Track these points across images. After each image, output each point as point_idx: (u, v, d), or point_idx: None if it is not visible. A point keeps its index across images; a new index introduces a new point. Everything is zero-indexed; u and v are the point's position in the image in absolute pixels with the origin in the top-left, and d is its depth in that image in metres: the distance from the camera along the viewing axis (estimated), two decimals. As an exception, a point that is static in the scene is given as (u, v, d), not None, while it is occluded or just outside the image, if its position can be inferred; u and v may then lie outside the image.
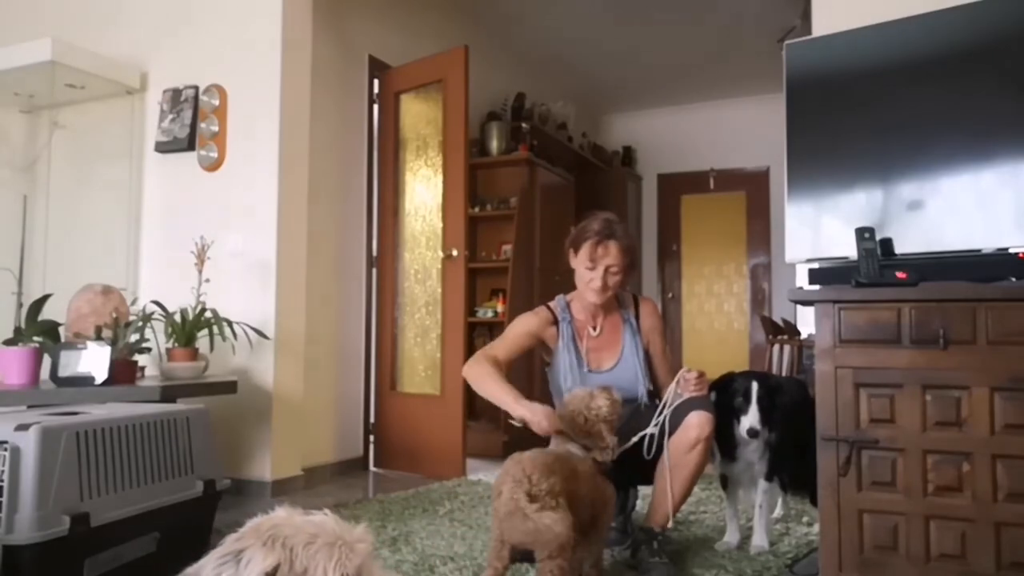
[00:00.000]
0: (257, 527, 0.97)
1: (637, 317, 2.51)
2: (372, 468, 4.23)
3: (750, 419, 2.32)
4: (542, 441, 2.23)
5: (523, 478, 1.78)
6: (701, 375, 2.29)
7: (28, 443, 1.77)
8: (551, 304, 2.52)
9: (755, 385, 2.35)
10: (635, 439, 2.23)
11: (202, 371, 3.10)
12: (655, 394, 2.47)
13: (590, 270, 2.37)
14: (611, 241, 2.35)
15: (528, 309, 2.60)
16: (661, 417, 2.23)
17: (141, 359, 3.00)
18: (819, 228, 2.08)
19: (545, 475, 1.78)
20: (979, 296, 1.70)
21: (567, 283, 2.49)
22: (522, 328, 2.45)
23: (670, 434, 2.22)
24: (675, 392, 2.27)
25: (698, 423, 2.19)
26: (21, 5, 4.22)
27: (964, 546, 1.68)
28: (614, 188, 7.14)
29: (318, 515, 1.00)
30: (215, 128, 3.61)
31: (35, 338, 2.83)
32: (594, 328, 2.48)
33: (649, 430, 2.22)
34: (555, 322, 2.47)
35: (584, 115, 7.18)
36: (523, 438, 2.33)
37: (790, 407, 2.42)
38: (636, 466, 2.25)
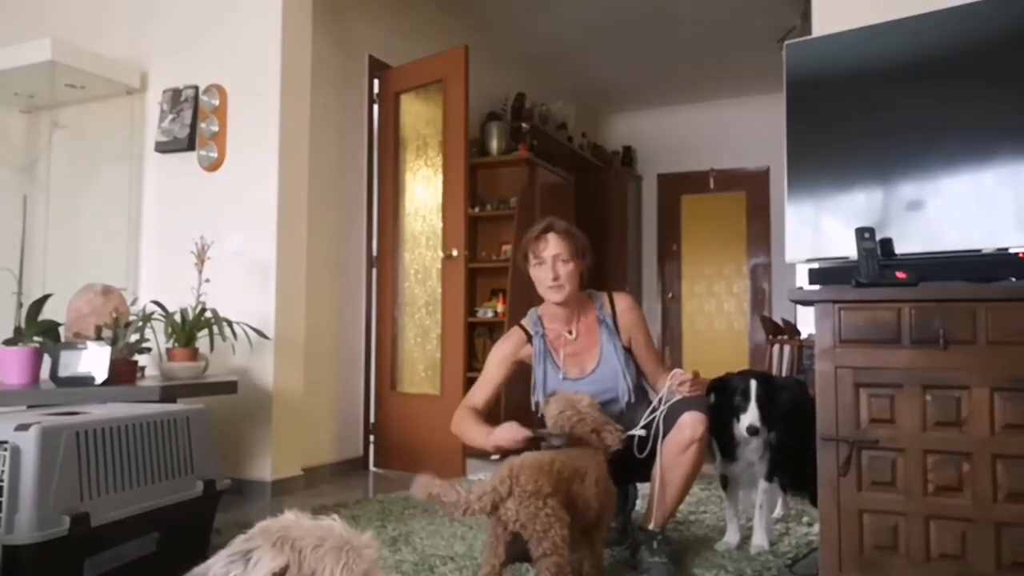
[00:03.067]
0: (266, 529, 0.98)
1: (614, 316, 2.51)
2: (372, 468, 4.23)
3: (749, 417, 2.32)
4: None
5: (507, 478, 1.78)
6: (695, 376, 2.29)
7: (28, 443, 1.77)
8: (523, 322, 2.54)
9: (754, 383, 2.35)
10: (637, 431, 2.23)
11: (202, 371, 3.10)
12: (644, 389, 2.47)
13: (540, 266, 2.41)
14: (549, 233, 2.42)
15: (528, 309, 2.60)
16: (651, 418, 2.24)
17: (141, 359, 3.00)
18: (819, 228, 2.08)
19: (533, 477, 1.78)
20: (979, 296, 1.70)
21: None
22: (497, 358, 2.50)
23: (664, 434, 2.23)
24: (668, 392, 2.27)
25: (691, 423, 2.19)
26: (21, 5, 4.22)
27: (964, 546, 1.68)
28: (614, 188, 7.14)
29: (326, 519, 1.01)
30: (215, 128, 3.61)
31: (35, 338, 2.82)
32: (570, 333, 2.49)
33: (639, 431, 2.23)
34: (530, 339, 2.48)
35: (584, 115, 7.18)
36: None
37: (790, 407, 2.42)
38: (633, 464, 2.25)
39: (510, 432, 2.19)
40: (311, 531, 0.98)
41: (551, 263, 2.39)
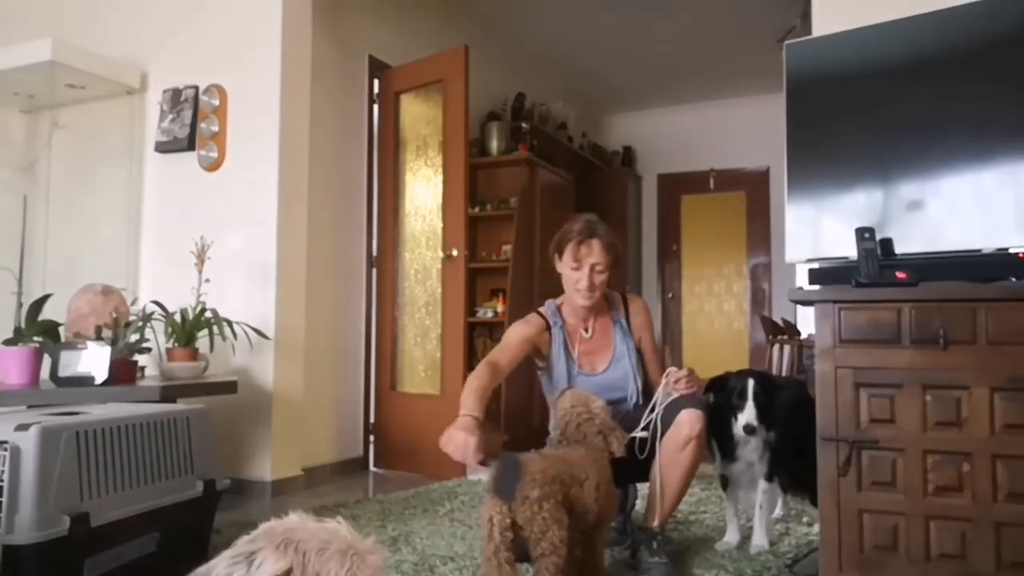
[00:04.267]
0: (270, 530, 0.97)
1: (627, 316, 2.51)
2: (372, 468, 4.23)
3: (746, 416, 2.32)
4: (540, 441, 2.23)
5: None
6: (690, 373, 2.29)
7: (28, 443, 1.77)
8: (541, 310, 2.52)
9: (751, 382, 2.35)
10: (635, 434, 2.23)
11: (202, 371, 3.10)
12: (648, 392, 2.47)
13: (575, 271, 2.37)
14: (593, 240, 2.36)
15: (529, 309, 2.60)
16: (649, 419, 2.24)
17: (141, 359, 3.00)
18: (819, 228, 2.08)
19: (536, 483, 1.78)
20: (979, 296, 1.70)
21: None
22: (518, 335, 2.45)
23: (662, 433, 2.23)
24: (664, 391, 2.27)
25: (689, 421, 2.19)
26: (21, 5, 4.22)
27: (964, 546, 1.68)
28: (614, 188, 7.14)
29: (331, 522, 1.00)
30: (215, 128, 3.61)
31: (35, 338, 2.82)
32: (586, 331, 2.48)
33: (639, 432, 2.22)
34: (548, 328, 2.47)
35: (584, 115, 7.18)
36: (523, 437, 2.34)
37: (790, 407, 2.42)
38: (633, 464, 2.25)
39: (462, 448, 2.03)
40: (315, 534, 0.97)
41: (588, 271, 2.35)
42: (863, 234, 1.85)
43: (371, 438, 4.29)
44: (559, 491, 1.83)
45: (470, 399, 2.16)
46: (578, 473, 1.93)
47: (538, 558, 1.77)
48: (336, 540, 0.97)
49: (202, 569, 0.97)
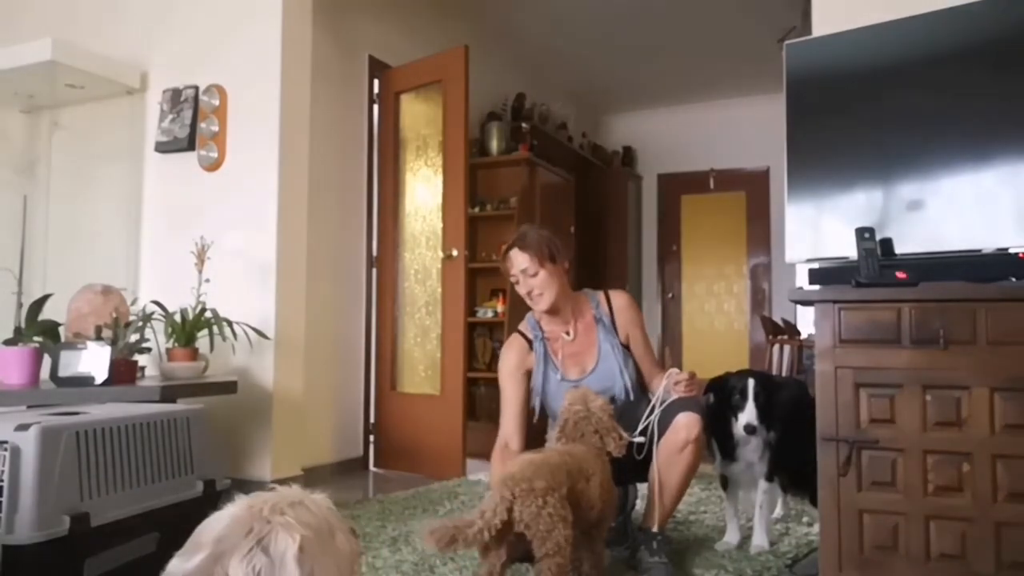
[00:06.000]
0: (255, 513, 0.96)
1: (611, 314, 2.51)
2: (372, 468, 4.23)
3: (747, 416, 2.32)
4: (542, 440, 2.24)
5: (508, 479, 1.78)
6: (692, 376, 2.29)
7: (28, 443, 1.76)
8: (522, 327, 2.54)
9: (751, 382, 2.35)
10: (636, 437, 2.23)
11: (202, 371, 3.10)
12: (644, 387, 2.47)
13: (517, 284, 2.46)
14: (511, 252, 2.46)
15: (528, 309, 2.60)
16: (647, 421, 2.24)
17: (141, 359, 3.00)
18: (819, 228, 2.08)
19: (527, 475, 1.77)
20: (979, 296, 1.70)
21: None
22: (507, 374, 2.48)
23: (660, 436, 2.23)
24: (664, 390, 2.27)
25: (687, 424, 2.19)
26: (21, 5, 4.22)
27: (964, 546, 1.68)
28: (614, 188, 7.15)
29: (264, 493, 0.99)
30: (215, 128, 3.60)
31: (35, 338, 2.82)
32: (568, 334, 2.49)
33: (636, 437, 2.22)
34: (531, 344, 2.49)
35: (584, 115, 7.18)
36: (524, 440, 2.33)
37: (790, 407, 2.42)
38: (633, 464, 2.25)
39: None
40: (287, 499, 0.97)
41: (521, 279, 2.43)
42: (863, 234, 1.85)
43: (371, 438, 4.29)
44: (565, 483, 1.82)
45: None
46: (585, 467, 1.93)
47: (542, 558, 1.76)
48: (303, 498, 0.98)
49: (188, 571, 0.94)
